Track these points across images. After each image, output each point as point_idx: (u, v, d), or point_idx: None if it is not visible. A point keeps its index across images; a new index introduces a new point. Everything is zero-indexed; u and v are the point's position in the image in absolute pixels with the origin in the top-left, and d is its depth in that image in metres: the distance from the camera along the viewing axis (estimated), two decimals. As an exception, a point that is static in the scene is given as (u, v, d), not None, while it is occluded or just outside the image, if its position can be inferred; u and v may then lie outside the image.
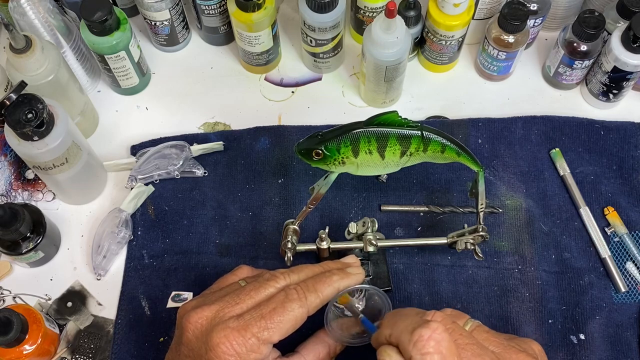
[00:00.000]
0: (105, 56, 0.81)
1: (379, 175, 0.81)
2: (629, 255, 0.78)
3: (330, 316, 0.66)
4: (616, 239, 0.79)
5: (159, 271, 0.78)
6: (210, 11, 0.86)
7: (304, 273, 0.65)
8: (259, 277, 0.64)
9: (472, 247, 0.72)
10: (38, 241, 0.75)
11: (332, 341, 0.67)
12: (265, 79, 0.91)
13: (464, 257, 0.78)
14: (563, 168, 0.82)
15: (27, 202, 0.81)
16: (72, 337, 0.76)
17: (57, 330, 0.75)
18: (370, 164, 0.72)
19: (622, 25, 0.80)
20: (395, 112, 0.69)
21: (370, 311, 0.67)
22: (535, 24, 0.86)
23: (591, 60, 0.83)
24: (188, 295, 0.76)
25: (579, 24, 0.79)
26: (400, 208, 0.80)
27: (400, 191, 0.81)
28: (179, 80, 0.91)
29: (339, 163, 0.71)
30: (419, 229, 0.80)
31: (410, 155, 0.71)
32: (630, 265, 0.78)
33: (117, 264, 0.79)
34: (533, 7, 0.83)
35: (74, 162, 0.75)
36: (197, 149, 0.82)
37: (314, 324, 0.67)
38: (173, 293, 0.77)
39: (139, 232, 0.80)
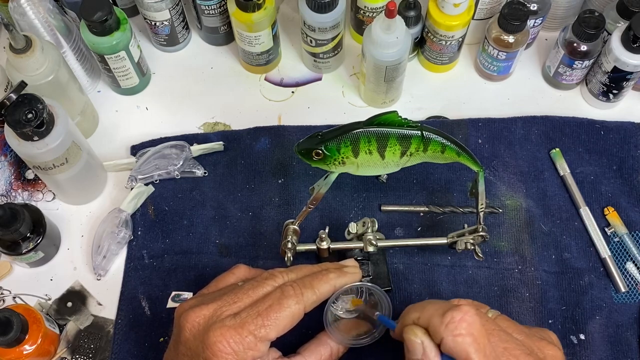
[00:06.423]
0: (105, 56, 0.81)
1: (379, 175, 0.81)
2: (629, 255, 0.78)
3: (330, 318, 0.66)
4: (616, 239, 0.79)
5: (159, 271, 0.78)
6: (210, 11, 0.86)
7: (302, 272, 0.65)
8: (257, 277, 0.64)
9: (472, 247, 0.72)
10: (38, 241, 0.75)
11: (334, 343, 0.67)
12: (265, 79, 0.91)
13: (464, 257, 0.78)
14: (563, 168, 0.82)
15: (27, 202, 0.81)
16: (72, 337, 0.76)
17: (57, 330, 0.75)
18: (370, 164, 0.72)
19: (622, 25, 0.80)
20: (395, 112, 0.69)
21: (370, 312, 0.67)
22: (535, 24, 0.86)
23: (591, 61, 0.83)
24: (188, 295, 0.76)
25: (579, 24, 0.79)
26: (400, 208, 0.80)
27: (400, 191, 0.81)
28: (179, 80, 0.91)
29: (339, 163, 0.71)
30: (419, 229, 0.80)
31: (410, 155, 0.71)
32: (630, 265, 0.78)
33: (117, 264, 0.79)
34: (533, 7, 0.83)
35: (74, 162, 0.75)
36: (197, 149, 0.82)
37: (315, 325, 0.67)
38: (173, 293, 0.77)
39: (139, 232, 0.80)
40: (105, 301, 0.78)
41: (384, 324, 0.65)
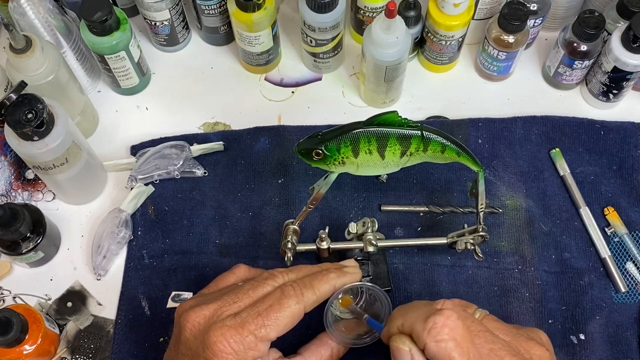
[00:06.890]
0: (105, 56, 0.81)
1: (379, 175, 0.81)
2: (629, 255, 0.78)
3: (330, 318, 0.66)
4: (616, 239, 0.79)
5: (159, 271, 0.78)
6: (210, 11, 0.86)
7: (302, 272, 0.65)
8: (257, 277, 0.64)
9: (472, 247, 0.72)
10: (38, 241, 0.75)
11: (335, 344, 0.67)
12: (265, 79, 0.91)
13: (464, 257, 0.78)
14: (563, 168, 0.82)
15: (27, 202, 0.81)
16: (72, 337, 0.76)
17: (57, 330, 0.75)
18: (370, 164, 0.72)
19: (622, 25, 0.80)
20: (395, 112, 0.69)
21: (371, 312, 0.67)
22: (535, 24, 0.86)
23: (591, 61, 0.83)
24: (188, 295, 0.76)
25: (579, 24, 0.79)
26: (400, 208, 0.80)
27: (400, 191, 0.81)
28: (179, 80, 0.91)
29: (339, 163, 0.71)
30: (419, 229, 0.80)
31: (410, 155, 0.71)
32: (630, 265, 0.78)
33: (117, 264, 0.79)
34: (533, 7, 0.83)
35: (74, 162, 0.75)
36: (197, 149, 0.82)
37: (316, 325, 0.67)
38: (173, 293, 0.77)
39: (139, 232, 0.80)
40: (105, 301, 0.78)
41: (372, 327, 0.65)
